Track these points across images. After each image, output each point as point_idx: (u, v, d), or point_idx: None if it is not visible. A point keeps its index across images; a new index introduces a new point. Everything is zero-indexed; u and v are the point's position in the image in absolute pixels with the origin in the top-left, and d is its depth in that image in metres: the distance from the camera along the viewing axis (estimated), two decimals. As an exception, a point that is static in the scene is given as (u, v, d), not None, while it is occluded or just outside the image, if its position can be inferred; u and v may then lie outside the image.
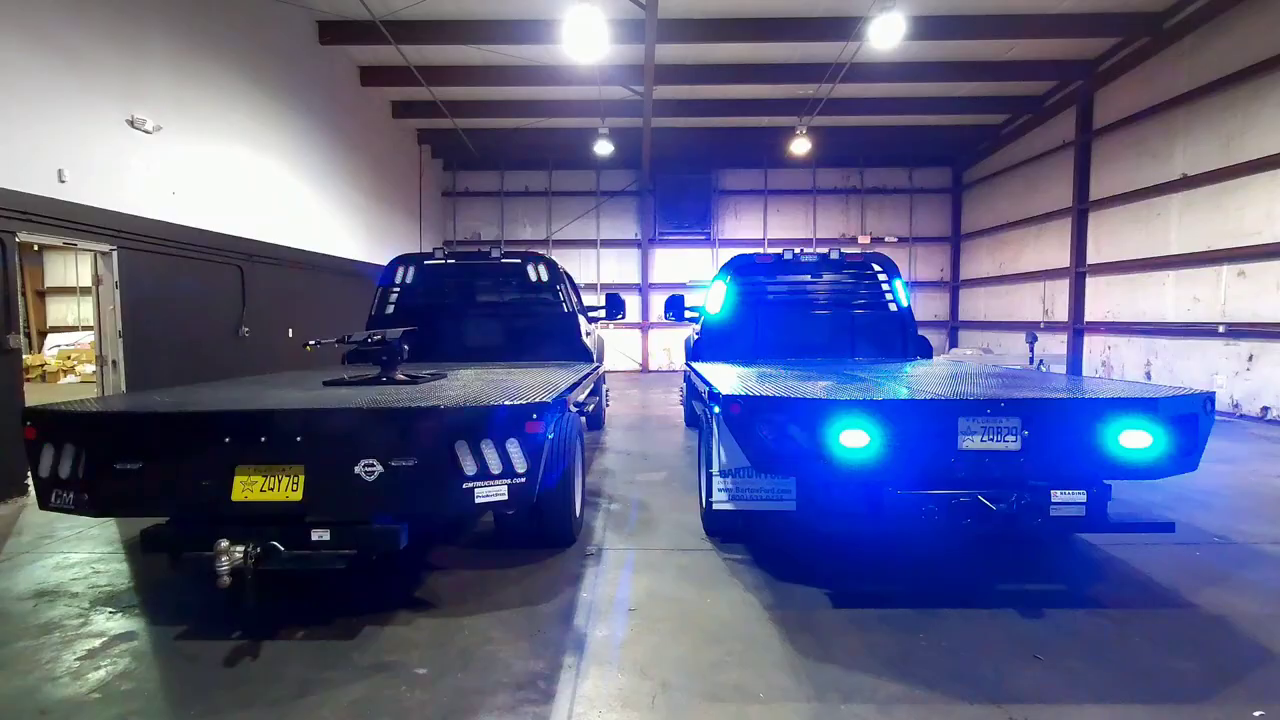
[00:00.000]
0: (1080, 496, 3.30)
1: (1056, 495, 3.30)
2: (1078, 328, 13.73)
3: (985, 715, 2.64)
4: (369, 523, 3.24)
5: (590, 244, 19.57)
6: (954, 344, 19.33)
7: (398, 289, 7.15)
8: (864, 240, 19.21)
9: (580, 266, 19.03)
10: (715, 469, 4.10)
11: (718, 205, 19.56)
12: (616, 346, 18.62)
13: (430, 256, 7.18)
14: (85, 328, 18.22)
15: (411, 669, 2.99)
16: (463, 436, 3.18)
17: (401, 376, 4.59)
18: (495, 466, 3.20)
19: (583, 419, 5.14)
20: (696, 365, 6.03)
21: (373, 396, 3.64)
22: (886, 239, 19.30)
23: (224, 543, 3.01)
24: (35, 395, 5.91)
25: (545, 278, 7.15)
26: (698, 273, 18.84)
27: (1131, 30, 11.27)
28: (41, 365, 16.86)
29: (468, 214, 19.68)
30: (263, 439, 3.17)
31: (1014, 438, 3.37)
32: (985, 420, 3.37)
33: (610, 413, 10.52)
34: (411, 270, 7.17)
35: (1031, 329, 13.79)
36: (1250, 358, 9.84)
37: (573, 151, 17.69)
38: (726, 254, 15.72)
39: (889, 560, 4.28)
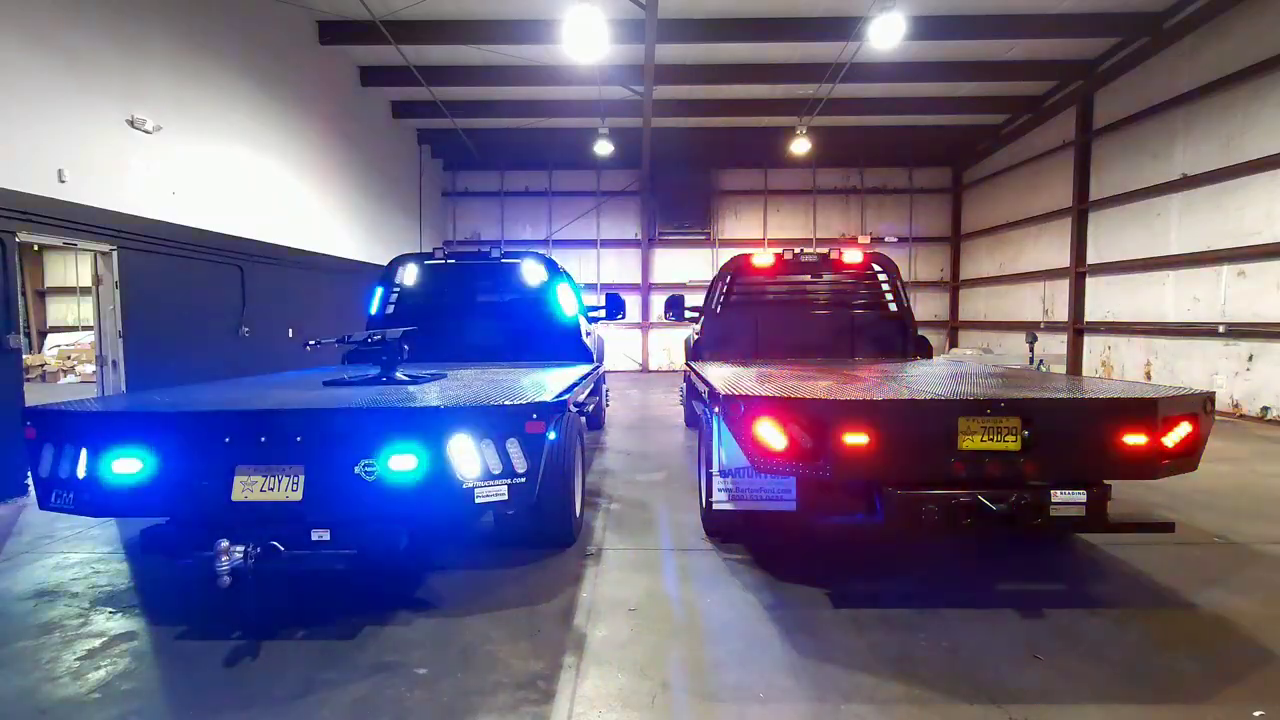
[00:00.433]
0: (1080, 496, 3.30)
1: (1056, 495, 3.30)
2: (1078, 328, 13.73)
3: (985, 715, 2.64)
4: (369, 523, 3.24)
5: (590, 244, 19.57)
6: (954, 344, 19.33)
7: (398, 289, 7.15)
8: (864, 240, 19.19)
9: (580, 266, 19.02)
10: (715, 469, 4.10)
11: (718, 205, 19.56)
12: (616, 346, 18.62)
13: (430, 256, 7.18)
14: (85, 328, 18.22)
15: (411, 669, 2.99)
16: (463, 436, 3.18)
17: (401, 376, 4.59)
18: (495, 466, 3.20)
19: (583, 419, 5.14)
20: (696, 365, 6.03)
21: (373, 396, 3.64)
22: (886, 239, 19.30)
23: (224, 543, 3.01)
24: (35, 395, 5.91)
25: (545, 278, 7.15)
26: (698, 273, 18.85)
27: (1131, 30, 11.27)
28: (41, 365, 16.86)
29: (468, 214, 19.67)
30: (263, 439, 3.18)
31: (1014, 438, 3.37)
32: (985, 420, 3.38)
33: (610, 413, 10.52)
34: (411, 270, 7.18)
35: (1031, 329, 13.79)
36: (1250, 358, 9.84)
37: (573, 151, 17.69)
38: (726, 254, 15.73)
39: (889, 560, 4.28)
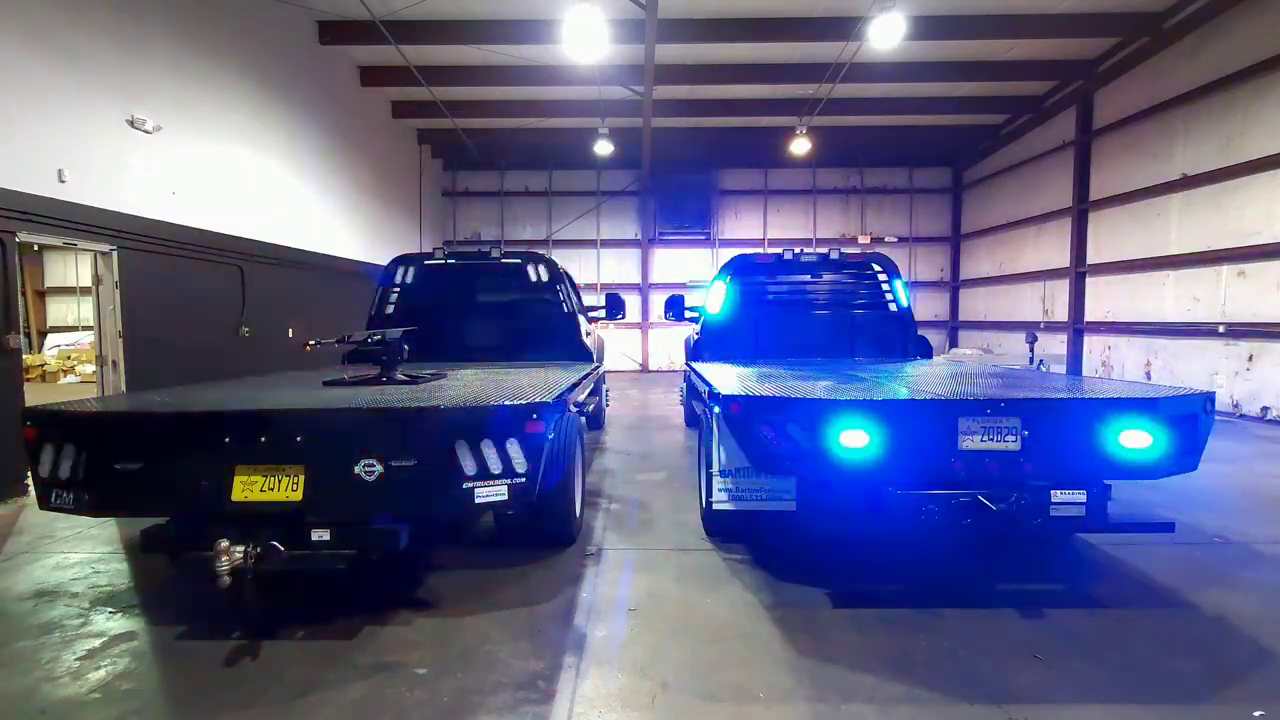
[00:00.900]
0: (1080, 496, 3.30)
1: (1056, 495, 3.30)
2: (1078, 328, 13.72)
3: (985, 715, 2.64)
4: (369, 523, 3.23)
5: (590, 244, 19.56)
6: (954, 344, 19.32)
7: (398, 289, 7.15)
8: (864, 240, 19.20)
9: (580, 266, 19.01)
10: (715, 469, 4.10)
11: (718, 205, 19.56)
12: (616, 346, 18.61)
13: (430, 256, 7.18)
14: (85, 328, 18.22)
15: (411, 669, 2.99)
16: (463, 436, 3.18)
17: (401, 376, 4.59)
18: (495, 466, 3.20)
19: (583, 419, 5.13)
20: (696, 365, 6.03)
21: (373, 396, 3.64)
22: (886, 239, 19.30)
23: (224, 543, 3.01)
24: (35, 395, 5.90)
25: (545, 278, 7.14)
26: (698, 273, 18.83)
27: (1131, 30, 11.27)
28: (41, 365, 16.85)
29: (468, 214, 19.67)
30: (262, 439, 3.17)
31: (1014, 438, 3.37)
32: (985, 420, 3.38)
33: (610, 413, 10.51)
34: (411, 270, 7.17)
35: (1031, 329, 13.78)
36: (1250, 358, 9.84)
37: (573, 151, 17.69)
38: (726, 254, 15.67)
39: (889, 560, 4.28)
